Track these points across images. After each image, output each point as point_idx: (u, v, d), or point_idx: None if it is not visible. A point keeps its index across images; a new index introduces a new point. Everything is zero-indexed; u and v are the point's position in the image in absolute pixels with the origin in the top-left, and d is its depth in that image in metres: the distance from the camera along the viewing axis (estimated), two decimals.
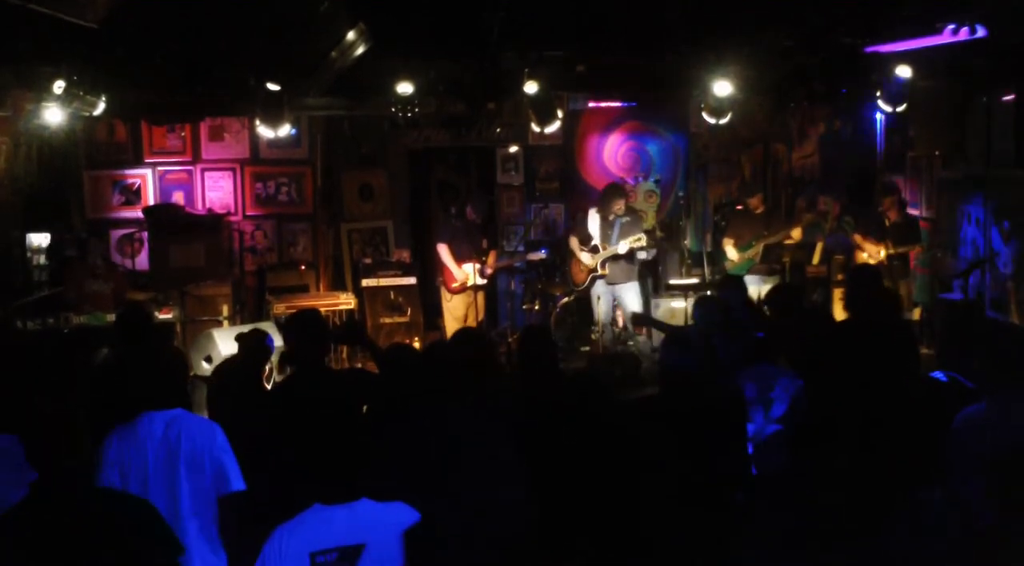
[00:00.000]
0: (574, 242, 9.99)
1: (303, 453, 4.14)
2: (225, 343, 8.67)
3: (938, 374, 4.69)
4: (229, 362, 6.47)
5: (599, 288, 9.84)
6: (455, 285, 10.08)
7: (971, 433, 4.01)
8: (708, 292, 9.15)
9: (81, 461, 3.60)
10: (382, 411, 5.08)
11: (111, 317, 8.36)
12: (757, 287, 9.48)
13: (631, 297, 9.76)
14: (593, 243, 9.81)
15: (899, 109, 8.49)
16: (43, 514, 3.06)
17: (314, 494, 3.37)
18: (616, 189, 10.10)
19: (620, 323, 10.19)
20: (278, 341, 8.85)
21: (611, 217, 9.71)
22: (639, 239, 9.53)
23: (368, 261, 11.36)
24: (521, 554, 3.86)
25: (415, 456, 3.88)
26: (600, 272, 9.75)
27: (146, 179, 11.24)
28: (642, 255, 10.22)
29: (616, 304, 9.97)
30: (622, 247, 9.52)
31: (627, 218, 9.76)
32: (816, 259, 10.71)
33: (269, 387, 6.43)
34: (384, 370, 5.13)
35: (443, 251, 10.07)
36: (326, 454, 3.43)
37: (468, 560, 3.73)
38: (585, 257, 9.82)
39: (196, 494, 4.08)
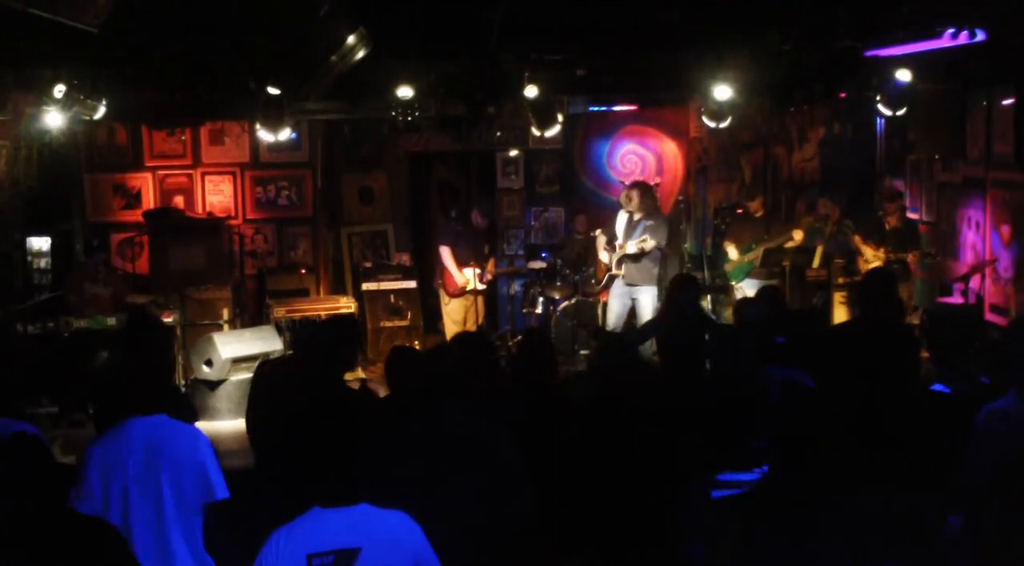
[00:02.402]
0: (600, 239, 9.85)
1: (303, 456, 4.15)
2: (225, 346, 8.68)
3: (939, 387, 4.61)
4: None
5: (617, 288, 9.63)
6: (454, 288, 10.08)
7: (999, 428, 3.87)
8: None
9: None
10: (383, 414, 5.09)
11: (111, 320, 8.37)
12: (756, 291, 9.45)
13: (647, 300, 9.47)
14: (615, 242, 9.66)
15: (899, 112, 8.48)
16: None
17: (313, 497, 3.38)
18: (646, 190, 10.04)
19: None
20: (277, 345, 8.91)
21: (637, 217, 9.60)
22: (644, 240, 9.31)
23: (368, 265, 11.37)
24: (527, 548, 3.88)
25: (413, 457, 3.89)
26: (615, 271, 9.58)
27: (146, 183, 11.25)
28: None
29: (632, 307, 9.69)
30: (630, 247, 9.33)
31: (652, 221, 9.50)
32: (816, 263, 10.70)
33: None
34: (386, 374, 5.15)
35: (445, 254, 10.07)
36: (326, 458, 3.44)
37: (473, 555, 3.74)
38: (603, 256, 9.76)
39: (178, 501, 4.04)
